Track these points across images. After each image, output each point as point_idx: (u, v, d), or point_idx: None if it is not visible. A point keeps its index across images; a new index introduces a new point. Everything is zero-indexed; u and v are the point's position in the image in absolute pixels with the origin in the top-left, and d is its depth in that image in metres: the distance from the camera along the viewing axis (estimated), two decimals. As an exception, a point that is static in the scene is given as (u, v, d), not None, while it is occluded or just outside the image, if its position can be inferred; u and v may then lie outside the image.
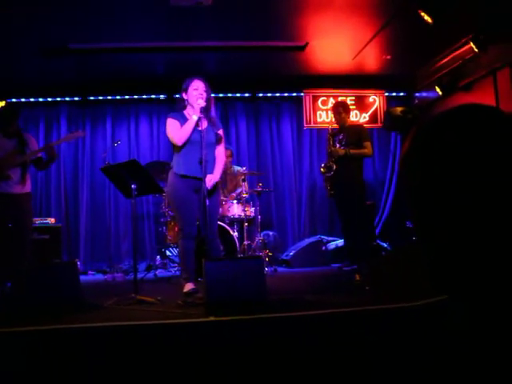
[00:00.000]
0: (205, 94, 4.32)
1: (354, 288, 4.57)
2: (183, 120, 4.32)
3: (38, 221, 6.89)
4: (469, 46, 6.36)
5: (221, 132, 4.49)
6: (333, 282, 5.34)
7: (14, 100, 7.88)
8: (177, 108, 4.50)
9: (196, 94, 4.32)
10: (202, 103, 4.22)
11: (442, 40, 6.53)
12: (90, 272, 7.68)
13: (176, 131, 4.27)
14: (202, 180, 4.12)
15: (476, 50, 6.21)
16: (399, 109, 7.19)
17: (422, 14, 5.42)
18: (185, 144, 4.25)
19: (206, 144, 4.16)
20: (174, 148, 4.41)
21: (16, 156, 5.16)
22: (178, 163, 4.31)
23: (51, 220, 7.07)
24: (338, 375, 2.53)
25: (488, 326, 0.77)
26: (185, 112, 4.42)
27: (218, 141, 4.46)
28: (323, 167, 6.44)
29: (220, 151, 4.52)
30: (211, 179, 4.29)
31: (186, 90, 4.39)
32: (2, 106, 5.33)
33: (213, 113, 4.47)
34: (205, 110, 4.26)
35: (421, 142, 0.78)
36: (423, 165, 0.74)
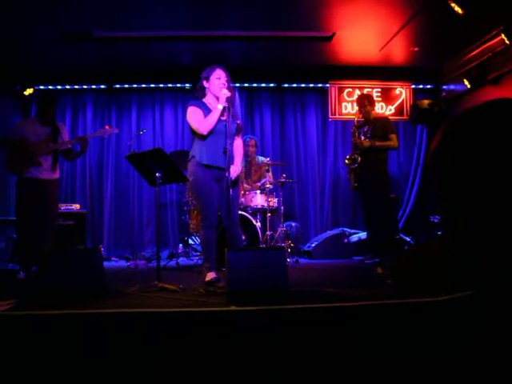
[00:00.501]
0: (226, 84, 4.31)
1: (376, 281, 4.55)
2: (205, 109, 4.31)
3: (63, 206, 7.00)
4: (500, 37, 6.22)
5: (240, 122, 4.49)
6: (354, 274, 5.32)
7: (41, 87, 7.99)
8: (196, 96, 4.47)
9: (218, 83, 4.30)
10: (228, 93, 4.20)
11: (471, 31, 6.39)
12: (113, 258, 7.78)
13: (200, 120, 4.25)
14: (225, 170, 4.13)
15: (508, 41, 6.07)
16: (426, 102, 7.09)
17: (453, 4, 5.33)
18: (209, 134, 4.25)
19: (229, 134, 4.15)
20: (195, 136, 4.36)
21: (49, 143, 5.27)
22: (201, 152, 4.29)
23: (76, 206, 7.16)
24: (358, 368, 2.53)
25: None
26: (205, 100, 4.40)
27: (237, 131, 4.46)
28: (348, 159, 6.40)
29: (238, 142, 4.53)
30: (235, 170, 4.30)
31: (207, 79, 4.37)
32: (42, 94, 5.47)
33: (236, 103, 4.45)
34: (229, 100, 4.24)
35: (451, 138, 0.77)
36: (453, 160, 0.73)
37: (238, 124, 4.42)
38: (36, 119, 5.46)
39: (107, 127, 5.79)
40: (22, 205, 5.22)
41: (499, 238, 0.72)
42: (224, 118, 4.18)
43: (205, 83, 4.38)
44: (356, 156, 6.23)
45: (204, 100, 4.40)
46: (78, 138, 5.55)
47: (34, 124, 5.37)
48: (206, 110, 4.29)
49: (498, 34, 6.25)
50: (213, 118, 4.20)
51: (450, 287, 2.94)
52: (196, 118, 4.28)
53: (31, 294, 3.80)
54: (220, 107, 4.19)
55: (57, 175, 5.42)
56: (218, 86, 4.30)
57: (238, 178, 4.45)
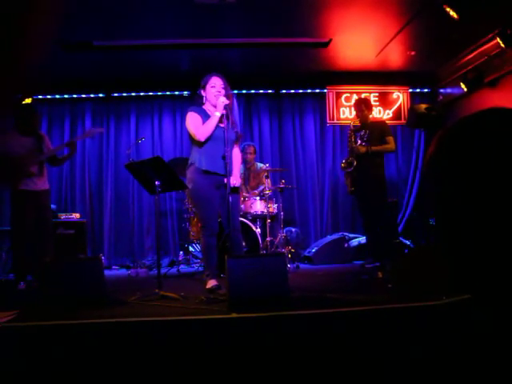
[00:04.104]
0: (223, 91, 4.31)
1: (377, 286, 4.55)
2: (204, 115, 4.32)
3: (63, 216, 7.01)
4: (495, 41, 6.26)
5: (239, 130, 4.50)
6: (355, 279, 5.32)
7: (40, 97, 8.01)
8: (195, 104, 4.49)
9: (214, 91, 4.31)
10: (226, 100, 4.21)
11: (467, 35, 6.44)
12: (113, 267, 7.77)
13: (198, 127, 4.26)
14: (224, 176, 4.13)
15: (503, 45, 6.10)
16: (423, 106, 7.11)
17: (448, 9, 5.35)
18: (207, 140, 4.25)
19: (228, 141, 4.15)
20: (195, 144, 4.36)
21: (36, 153, 5.27)
22: (199, 159, 4.29)
23: (76, 215, 7.16)
24: (359, 373, 2.53)
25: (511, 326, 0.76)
26: (204, 108, 4.41)
27: (237, 139, 4.48)
28: (344, 163, 6.41)
29: (237, 151, 4.56)
30: (235, 180, 4.32)
31: (204, 87, 4.39)
32: (22, 107, 5.46)
33: (235, 110, 4.46)
34: (227, 107, 4.25)
35: (447, 146, 0.78)
36: (449, 168, 0.74)
37: (236, 132, 4.42)
38: (15, 131, 5.34)
39: (92, 129, 5.84)
40: (20, 217, 5.19)
41: (494, 244, 0.73)
42: (223, 125, 4.18)
43: (202, 92, 4.40)
44: (352, 159, 6.25)
45: (204, 107, 4.41)
46: (66, 143, 5.60)
47: (16, 136, 5.30)
48: (205, 117, 4.30)
49: (494, 38, 6.29)
50: (210, 124, 4.21)
51: (450, 291, 2.95)
52: (194, 124, 4.29)
53: (32, 304, 3.81)
54: (218, 114, 4.20)
55: (47, 185, 5.44)
56: (213, 94, 4.31)
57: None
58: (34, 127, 5.41)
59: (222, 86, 4.34)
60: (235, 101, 4.50)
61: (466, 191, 0.73)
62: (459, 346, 2.42)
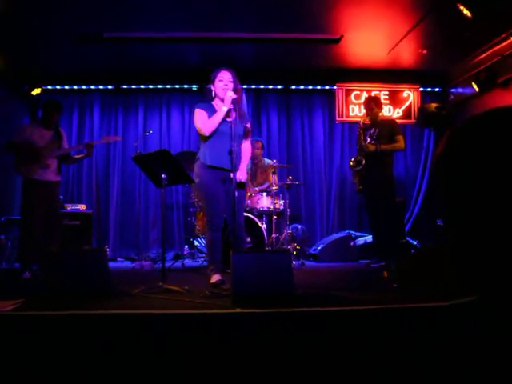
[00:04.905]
0: (231, 85, 4.29)
1: (382, 285, 4.54)
2: (211, 111, 4.31)
3: (69, 207, 7.05)
4: (509, 40, 6.21)
5: (249, 125, 4.48)
6: (360, 278, 5.31)
7: (49, 87, 8.03)
8: (205, 99, 4.49)
9: (221, 85, 4.30)
10: (233, 95, 4.20)
11: (480, 34, 6.38)
12: (118, 259, 7.81)
13: (204, 122, 4.27)
14: (230, 171, 4.13)
15: (516, 45, 6.06)
16: (433, 105, 7.08)
17: (462, 7, 5.32)
18: (213, 135, 4.25)
19: (235, 136, 4.15)
20: (201, 139, 4.39)
21: (55, 147, 5.42)
22: (205, 154, 4.30)
23: (82, 206, 7.20)
24: (362, 372, 2.53)
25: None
26: (213, 103, 4.41)
27: (245, 134, 4.45)
28: (352, 161, 6.39)
29: (246, 146, 4.52)
30: (241, 175, 4.30)
31: (213, 82, 4.38)
32: (47, 101, 5.61)
33: (244, 105, 4.44)
34: (235, 102, 4.24)
35: (455, 145, 0.77)
36: (457, 168, 0.73)
37: (245, 127, 4.41)
38: (40, 123, 5.60)
39: (111, 136, 6.04)
40: (30, 206, 5.32)
41: (504, 247, 0.73)
42: (230, 120, 4.18)
43: (211, 86, 4.40)
44: (361, 158, 6.23)
45: (213, 102, 4.41)
46: (85, 144, 5.76)
47: (38, 128, 5.51)
48: (212, 112, 4.30)
49: (508, 37, 6.24)
50: (216, 119, 4.21)
51: (456, 292, 2.93)
52: (200, 119, 4.30)
53: (37, 293, 3.83)
54: (225, 109, 4.19)
55: (59, 177, 5.59)
56: (221, 88, 4.30)
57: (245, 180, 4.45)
58: (55, 122, 5.60)
59: (230, 79, 4.32)
60: (244, 95, 4.49)
61: (475, 190, 0.72)
62: (465, 348, 2.41)
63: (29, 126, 5.81)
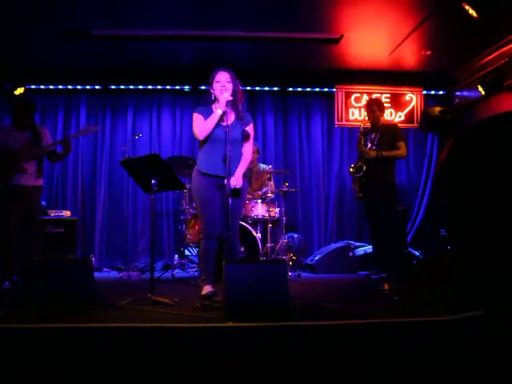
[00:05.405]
0: (228, 86, 4.27)
1: (382, 298, 4.54)
2: (208, 114, 4.30)
3: (52, 213, 7.00)
4: (517, 42, 6.26)
5: (249, 128, 4.41)
6: (359, 290, 5.31)
7: (33, 86, 8.01)
8: (204, 102, 4.45)
9: (219, 86, 4.28)
10: (228, 96, 4.18)
11: (486, 35, 6.42)
12: (104, 269, 7.76)
13: (199, 125, 4.27)
14: (224, 178, 4.11)
15: (524, 47, 6.09)
16: (437, 109, 7.09)
17: (467, 7, 5.34)
18: (207, 140, 4.24)
19: (231, 141, 4.11)
20: (199, 144, 4.43)
21: (32, 149, 5.29)
22: (201, 160, 4.31)
23: (67, 213, 7.15)
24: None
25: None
26: (213, 106, 4.38)
27: (244, 138, 4.38)
28: (352, 167, 6.38)
29: (247, 149, 4.44)
30: (235, 181, 4.23)
31: (211, 84, 4.37)
32: (16, 99, 5.52)
33: (241, 107, 4.42)
34: (231, 104, 4.23)
35: (461, 151, 0.77)
36: (462, 175, 0.73)
37: (244, 130, 4.37)
38: (12, 125, 5.43)
39: (89, 126, 5.83)
40: (7, 213, 5.21)
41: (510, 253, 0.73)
42: (224, 124, 4.16)
43: (211, 89, 4.37)
44: (361, 164, 6.23)
45: (213, 105, 4.37)
46: (59, 141, 5.66)
47: (11, 130, 5.36)
48: (209, 116, 4.29)
49: (515, 39, 6.28)
50: (209, 122, 4.20)
51: (460, 305, 2.93)
52: (196, 123, 4.31)
53: (17, 305, 3.80)
54: (219, 112, 4.18)
55: (41, 181, 5.44)
56: (218, 90, 4.29)
57: (242, 186, 4.36)
58: (29, 121, 5.42)
59: (228, 80, 4.30)
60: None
61: (484, 196, 0.72)
62: (467, 364, 2.41)
63: (2, 129, 5.69)
